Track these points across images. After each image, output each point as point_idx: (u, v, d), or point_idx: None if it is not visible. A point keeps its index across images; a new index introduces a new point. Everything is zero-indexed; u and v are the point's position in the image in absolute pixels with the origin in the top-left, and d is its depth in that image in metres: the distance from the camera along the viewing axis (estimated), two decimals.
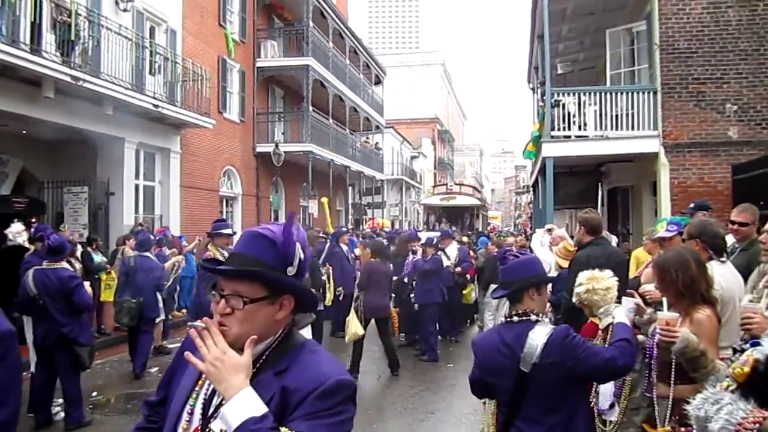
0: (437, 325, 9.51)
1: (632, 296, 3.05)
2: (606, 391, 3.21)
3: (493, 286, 10.18)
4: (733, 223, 4.40)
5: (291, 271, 1.51)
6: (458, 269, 10.43)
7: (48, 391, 6.01)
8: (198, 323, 1.44)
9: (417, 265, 9.42)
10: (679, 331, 2.66)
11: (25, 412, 6.14)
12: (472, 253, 12.01)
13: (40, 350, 5.86)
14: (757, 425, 1.47)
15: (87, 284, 6.14)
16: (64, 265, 5.95)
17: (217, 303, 1.48)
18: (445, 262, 9.93)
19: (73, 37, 10.42)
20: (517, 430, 2.67)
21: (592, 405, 3.19)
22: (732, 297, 3.44)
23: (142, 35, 13.27)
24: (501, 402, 2.82)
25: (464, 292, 10.96)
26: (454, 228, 22.27)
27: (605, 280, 3.22)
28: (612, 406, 3.20)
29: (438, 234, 12.19)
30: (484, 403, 3.43)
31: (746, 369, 1.65)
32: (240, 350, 1.41)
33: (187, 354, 1.44)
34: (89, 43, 10.94)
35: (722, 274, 3.48)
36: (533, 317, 2.70)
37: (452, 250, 10.85)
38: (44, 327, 5.77)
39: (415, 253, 9.95)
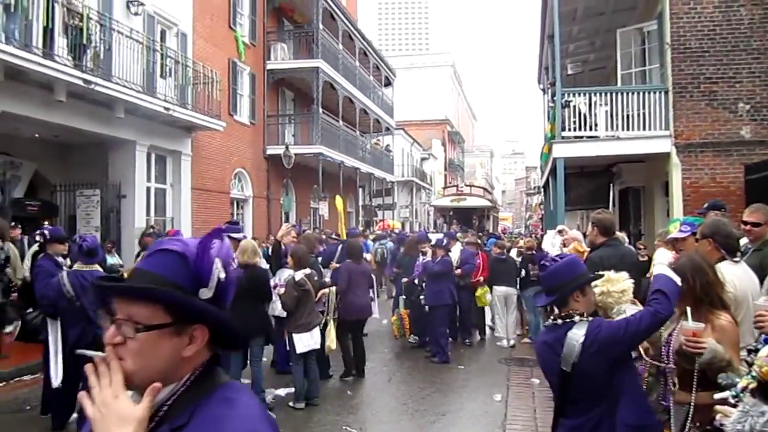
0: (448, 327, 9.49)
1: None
2: None
3: (496, 288, 10.25)
4: (745, 223, 4.34)
5: (205, 293, 1.21)
6: (458, 271, 10.26)
7: (74, 394, 6.00)
8: (95, 353, 1.17)
9: (427, 266, 9.40)
10: (706, 341, 2.62)
11: (38, 414, 6.22)
12: (483, 255, 11.84)
13: (71, 352, 5.79)
14: None
15: None
16: (97, 267, 5.98)
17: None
18: None
19: (84, 41, 10.50)
20: (566, 421, 2.77)
21: None
22: (745, 297, 3.39)
23: (153, 39, 13.36)
24: (554, 398, 2.93)
25: (477, 294, 10.59)
26: (466, 229, 22.13)
27: (620, 282, 3.19)
28: None
29: (441, 235, 12.05)
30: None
31: None
32: (143, 392, 1.14)
33: (81, 394, 1.14)
34: (101, 47, 11.03)
35: (736, 274, 3.44)
36: (576, 318, 2.73)
37: (455, 251, 10.78)
38: (79, 329, 5.75)
39: (425, 254, 9.92)
